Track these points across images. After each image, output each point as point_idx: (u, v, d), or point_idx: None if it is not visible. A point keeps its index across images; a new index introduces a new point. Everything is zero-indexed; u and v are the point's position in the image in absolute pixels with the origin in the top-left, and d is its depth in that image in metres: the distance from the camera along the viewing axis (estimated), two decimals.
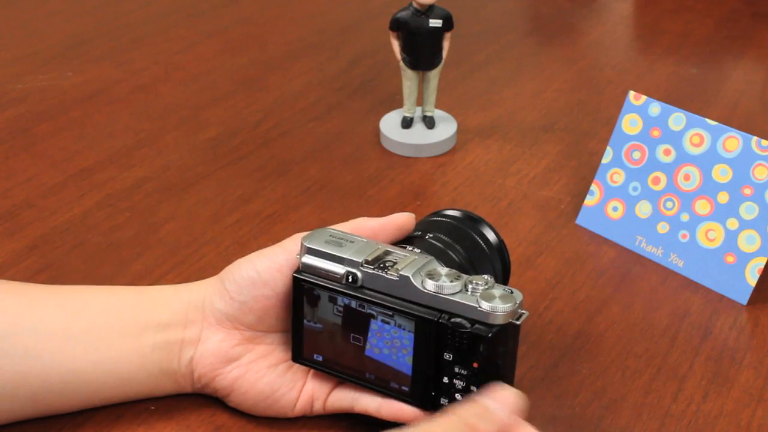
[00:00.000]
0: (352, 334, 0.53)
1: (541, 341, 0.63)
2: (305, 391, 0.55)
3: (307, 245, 0.53)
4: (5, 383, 0.51)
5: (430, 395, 0.52)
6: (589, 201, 0.75)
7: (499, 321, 0.49)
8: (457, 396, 0.51)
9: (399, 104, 0.89)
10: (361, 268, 0.51)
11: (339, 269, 0.52)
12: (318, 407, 0.55)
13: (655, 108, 0.72)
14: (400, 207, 0.77)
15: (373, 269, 0.51)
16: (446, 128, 0.87)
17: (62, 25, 1.13)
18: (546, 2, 1.22)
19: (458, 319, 0.50)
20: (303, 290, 0.53)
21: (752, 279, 0.66)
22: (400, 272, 0.51)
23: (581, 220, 0.76)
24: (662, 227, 0.71)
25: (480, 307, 0.49)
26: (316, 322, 0.53)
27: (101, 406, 0.55)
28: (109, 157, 0.85)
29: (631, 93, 0.73)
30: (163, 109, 0.94)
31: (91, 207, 0.77)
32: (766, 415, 0.58)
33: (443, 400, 0.51)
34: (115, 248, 0.72)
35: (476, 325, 0.49)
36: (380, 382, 0.53)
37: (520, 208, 0.78)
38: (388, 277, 0.51)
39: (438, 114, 0.88)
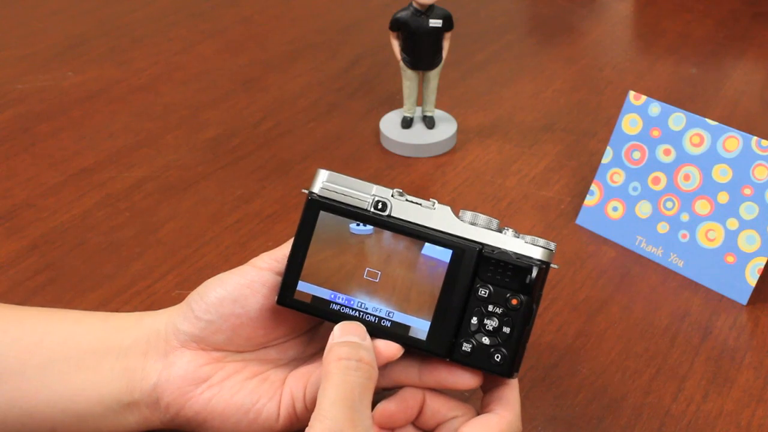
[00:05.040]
0: (367, 268, 0.50)
1: (541, 341, 0.63)
2: (285, 394, 0.51)
3: (328, 172, 0.50)
4: None
5: (449, 340, 0.48)
6: (589, 201, 0.75)
7: (545, 257, 0.48)
8: (485, 339, 0.48)
9: (399, 104, 0.89)
10: (392, 197, 0.50)
11: (366, 196, 0.50)
12: (300, 408, 0.51)
13: (655, 108, 0.72)
14: None
15: (406, 200, 0.50)
16: (446, 128, 0.87)
17: (62, 25, 1.13)
18: (546, 2, 1.22)
19: (504, 249, 0.48)
20: (316, 215, 0.50)
21: (752, 279, 0.66)
22: (437, 204, 0.50)
23: (581, 220, 0.76)
24: (662, 227, 0.71)
25: (526, 241, 0.48)
26: (324, 253, 0.50)
27: None
28: (109, 157, 0.85)
29: (631, 93, 0.73)
30: (163, 109, 0.94)
31: (91, 207, 0.77)
32: (766, 415, 0.58)
33: (465, 346, 0.48)
34: (115, 248, 0.72)
35: (521, 258, 0.48)
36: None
37: (520, 208, 0.78)
38: (425, 207, 0.49)
39: (438, 114, 0.89)
